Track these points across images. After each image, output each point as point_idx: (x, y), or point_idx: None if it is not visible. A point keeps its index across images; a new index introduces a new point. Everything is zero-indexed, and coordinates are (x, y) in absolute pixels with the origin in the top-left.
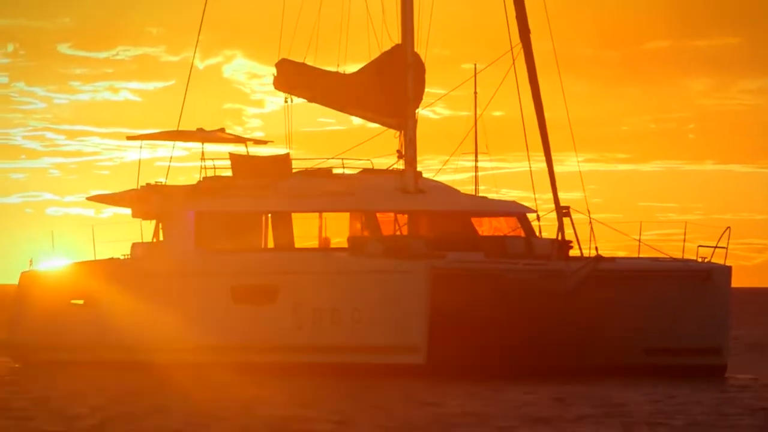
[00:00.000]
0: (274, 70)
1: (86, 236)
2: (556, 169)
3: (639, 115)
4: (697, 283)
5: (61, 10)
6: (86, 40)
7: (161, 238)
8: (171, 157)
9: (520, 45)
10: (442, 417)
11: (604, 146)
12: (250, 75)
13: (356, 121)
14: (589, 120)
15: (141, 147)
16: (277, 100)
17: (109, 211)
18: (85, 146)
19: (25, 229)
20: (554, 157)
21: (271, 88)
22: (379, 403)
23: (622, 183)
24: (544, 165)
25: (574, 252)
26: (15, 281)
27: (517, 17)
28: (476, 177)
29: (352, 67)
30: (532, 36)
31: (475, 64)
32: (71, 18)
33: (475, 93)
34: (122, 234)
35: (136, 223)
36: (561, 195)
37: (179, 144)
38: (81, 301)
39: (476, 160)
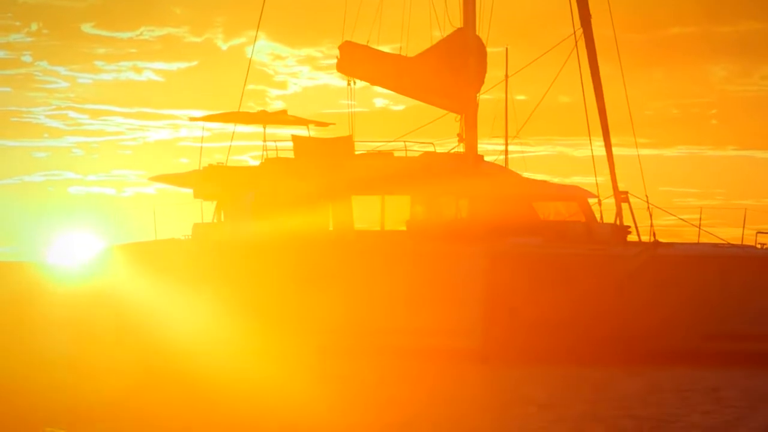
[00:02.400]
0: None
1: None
2: (581, 154)
3: (662, 100)
4: (756, 268)
5: None
6: (110, 19)
7: (222, 218)
8: (232, 136)
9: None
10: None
11: (627, 130)
12: (273, 56)
13: (379, 103)
14: (612, 104)
15: (203, 128)
16: (299, 81)
17: (131, 190)
18: (108, 126)
19: (48, 207)
20: (576, 141)
21: (294, 69)
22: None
23: (644, 167)
24: (560, 149)
25: (631, 237)
26: (40, 259)
27: (578, 3)
28: (506, 160)
29: (412, 51)
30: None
31: (507, 48)
32: None
33: (506, 76)
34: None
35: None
36: (585, 180)
37: (238, 129)
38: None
39: (506, 144)
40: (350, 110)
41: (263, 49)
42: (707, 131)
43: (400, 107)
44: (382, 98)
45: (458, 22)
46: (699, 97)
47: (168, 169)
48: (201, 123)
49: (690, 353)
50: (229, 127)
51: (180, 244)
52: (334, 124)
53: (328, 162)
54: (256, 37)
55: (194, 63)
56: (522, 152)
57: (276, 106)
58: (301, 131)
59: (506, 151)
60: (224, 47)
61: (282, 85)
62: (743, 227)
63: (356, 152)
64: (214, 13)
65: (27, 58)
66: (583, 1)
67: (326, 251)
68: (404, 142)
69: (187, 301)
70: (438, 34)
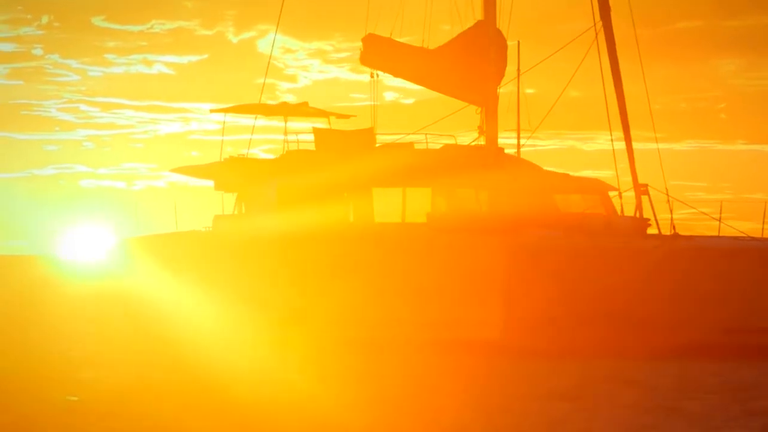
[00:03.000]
0: (354, 44)
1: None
2: (591, 147)
3: (671, 95)
4: None
5: None
6: (121, 13)
7: (242, 210)
8: (253, 129)
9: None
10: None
11: (636, 124)
12: (284, 50)
13: (389, 97)
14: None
15: (224, 122)
16: (309, 75)
17: (142, 183)
18: (119, 119)
19: (59, 200)
20: (586, 135)
21: (304, 62)
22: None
23: (653, 161)
24: (570, 143)
25: (651, 230)
26: (51, 252)
27: None
28: (518, 154)
29: (433, 44)
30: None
31: (518, 42)
32: None
33: (518, 70)
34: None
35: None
36: (596, 173)
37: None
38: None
39: (518, 137)
40: (372, 102)
41: (275, 42)
42: (716, 125)
43: (410, 101)
44: (393, 92)
45: (479, 15)
46: (707, 92)
47: (179, 161)
48: (221, 115)
49: (710, 346)
50: (245, 120)
51: (201, 235)
52: (355, 116)
53: (349, 154)
54: (276, 29)
55: (205, 56)
56: (534, 146)
57: (287, 99)
58: (321, 124)
59: (518, 145)
60: (235, 40)
61: (292, 78)
62: (763, 221)
63: (377, 144)
64: (225, 7)
65: (38, 51)
66: None
67: (347, 243)
68: (425, 134)
69: (206, 292)
70: (451, 28)
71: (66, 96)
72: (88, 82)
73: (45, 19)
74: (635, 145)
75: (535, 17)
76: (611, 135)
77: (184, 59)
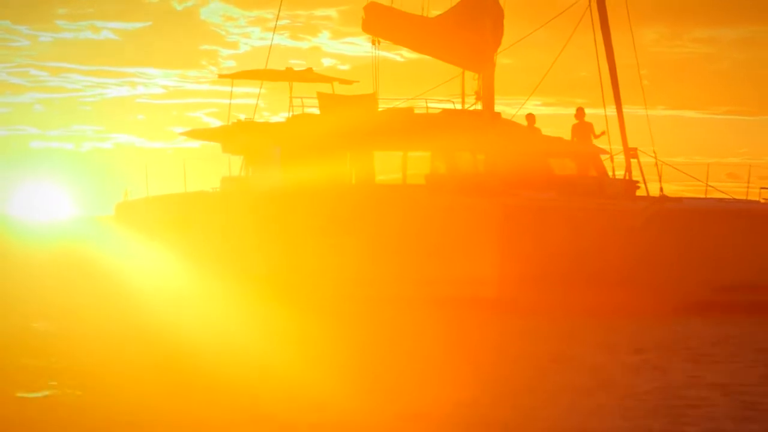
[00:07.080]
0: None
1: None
2: (514, 111)
3: (594, 62)
4: (761, 222)
5: None
6: None
7: (249, 172)
8: (259, 94)
9: None
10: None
11: (562, 91)
12: (225, 17)
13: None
14: (547, 66)
15: (232, 85)
16: (250, 42)
17: (89, 145)
18: (68, 83)
19: (10, 161)
20: (516, 101)
21: (246, 30)
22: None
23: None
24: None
25: (640, 192)
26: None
27: None
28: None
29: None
30: None
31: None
32: None
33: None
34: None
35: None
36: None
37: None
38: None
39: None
40: (374, 68)
41: (217, 10)
42: (638, 91)
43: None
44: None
45: None
46: (630, 59)
47: (126, 124)
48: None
49: (698, 304)
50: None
51: (209, 196)
52: (358, 81)
53: (352, 118)
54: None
55: (148, 23)
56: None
57: (227, 65)
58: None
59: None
60: (179, 8)
61: (233, 45)
62: (748, 182)
63: (379, 109)
64: None
65: None
66: None
67: (347, 202)
68: (425, 99)
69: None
70: None
71: (17, 60)
72: (38, 47)
73: None
74: (558, 110)
75: None
76: (603, 103)
77: (129, 26)
